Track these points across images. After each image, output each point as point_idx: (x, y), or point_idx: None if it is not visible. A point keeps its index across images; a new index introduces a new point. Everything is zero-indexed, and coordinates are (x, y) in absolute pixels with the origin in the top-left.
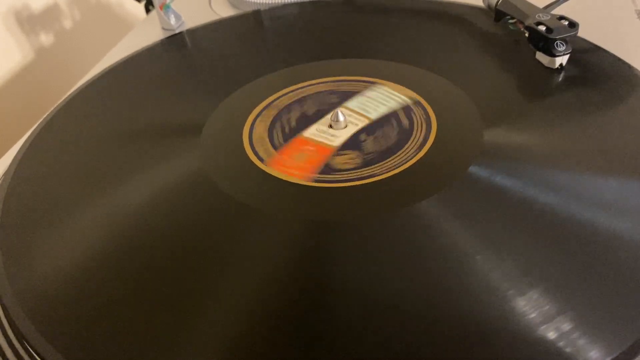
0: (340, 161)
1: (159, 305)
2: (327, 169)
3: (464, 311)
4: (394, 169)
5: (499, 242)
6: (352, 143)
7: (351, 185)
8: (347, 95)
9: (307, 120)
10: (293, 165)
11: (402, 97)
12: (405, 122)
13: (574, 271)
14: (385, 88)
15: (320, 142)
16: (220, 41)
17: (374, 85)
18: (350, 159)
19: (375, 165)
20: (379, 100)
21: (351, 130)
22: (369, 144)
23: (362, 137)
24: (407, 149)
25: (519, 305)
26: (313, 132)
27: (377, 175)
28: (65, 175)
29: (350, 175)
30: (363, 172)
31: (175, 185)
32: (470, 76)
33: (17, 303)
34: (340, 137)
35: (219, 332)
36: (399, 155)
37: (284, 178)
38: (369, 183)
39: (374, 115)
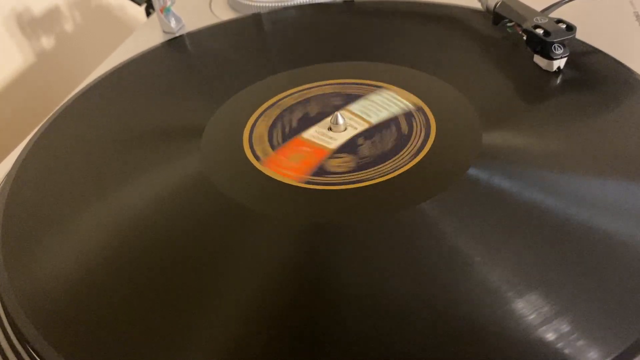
0: (334, 164)
1: (160, 307)
2: (321, 171)
3: (462, 313)
4: (388, 173)
5: (497, 244)
6: (349, 146)
7: (341, 189)
8: (351, 98)
9: (308, 122)
10: (287, 166)
11: (405, 102)
12: (404, 127)
13: (573, 272)
14: (390, 92)
15: (318, 143)
16: (221, 44)
17: (379, 90)
18: (344, 162)
19: (369, 170)
20: (382, 104)
21: (350, 133)
22: (365, 148)
23: (360, 141)
24: (403, 154)
25: (518, 307)
26: (312, 133)
27: (369, 180)
28: (66, 178)
29: (342, 178)
30: (355, 176)
31: (176, 186)
32: (468, 79)
33: (19, 305)
34: (337, 139)
35: (220, 334)
36: (394, 160)
37: (277, 178)
38: (361, 187)
39: (375, 119)
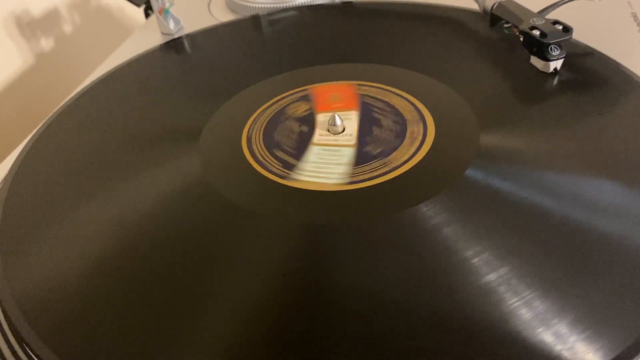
0: None
1: (159, 309)
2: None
3: (460, 314)
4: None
5: (495, 244)
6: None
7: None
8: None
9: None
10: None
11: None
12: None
13: (572, 273)
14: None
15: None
16: (219, 46)
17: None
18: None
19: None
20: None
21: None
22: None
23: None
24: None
25: (516, 307)
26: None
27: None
28: (64, 179)
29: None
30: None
31: (174, 187)
32: (465, 80)
33: (17, 306)
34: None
35: (220, 335)
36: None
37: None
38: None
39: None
